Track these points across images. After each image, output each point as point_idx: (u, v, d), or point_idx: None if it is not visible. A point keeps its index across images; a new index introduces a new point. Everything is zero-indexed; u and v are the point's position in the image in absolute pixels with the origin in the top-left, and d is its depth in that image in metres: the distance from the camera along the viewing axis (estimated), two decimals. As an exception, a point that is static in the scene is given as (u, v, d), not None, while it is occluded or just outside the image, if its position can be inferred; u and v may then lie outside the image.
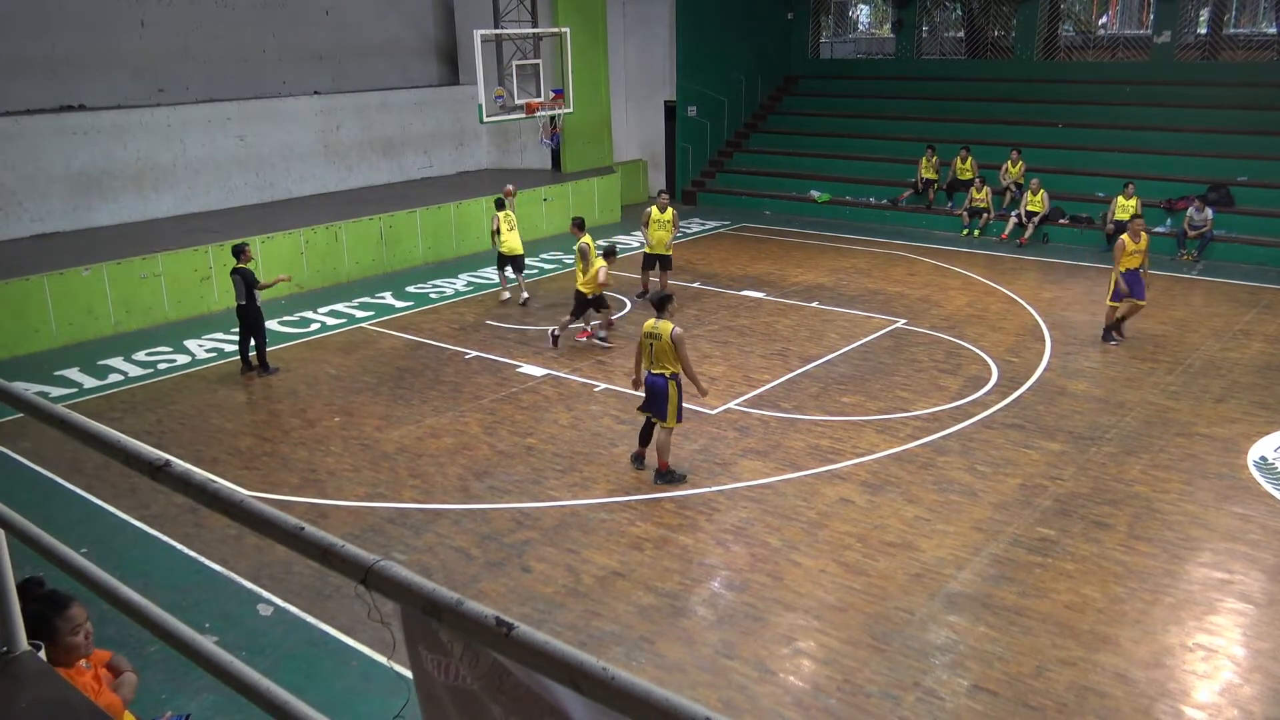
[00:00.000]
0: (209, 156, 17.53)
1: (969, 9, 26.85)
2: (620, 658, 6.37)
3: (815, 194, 21.83)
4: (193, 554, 7.80)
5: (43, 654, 3.14)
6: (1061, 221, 18.62)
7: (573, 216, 13.72)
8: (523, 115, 17.83)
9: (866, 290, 15.27)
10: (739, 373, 11.59)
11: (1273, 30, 27.62)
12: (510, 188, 16.06)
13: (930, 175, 20.38)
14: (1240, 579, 7.19)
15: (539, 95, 18.20)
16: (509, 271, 15.09)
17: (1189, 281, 15.57)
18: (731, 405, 10.56)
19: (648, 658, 6.40)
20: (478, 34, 16.68)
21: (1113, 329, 12.49)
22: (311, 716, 1.91)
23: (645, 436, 8.99)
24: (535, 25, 18.60)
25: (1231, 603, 6.91)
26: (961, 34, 27.78)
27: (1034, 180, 18.64)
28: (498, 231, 14.88)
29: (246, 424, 10.62)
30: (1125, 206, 17.46)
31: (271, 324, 13.03)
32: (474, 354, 12.56)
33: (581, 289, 12.69)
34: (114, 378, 12.01)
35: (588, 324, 13.06)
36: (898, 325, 13.39)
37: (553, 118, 18.79)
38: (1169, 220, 17.73)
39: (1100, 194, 18.74)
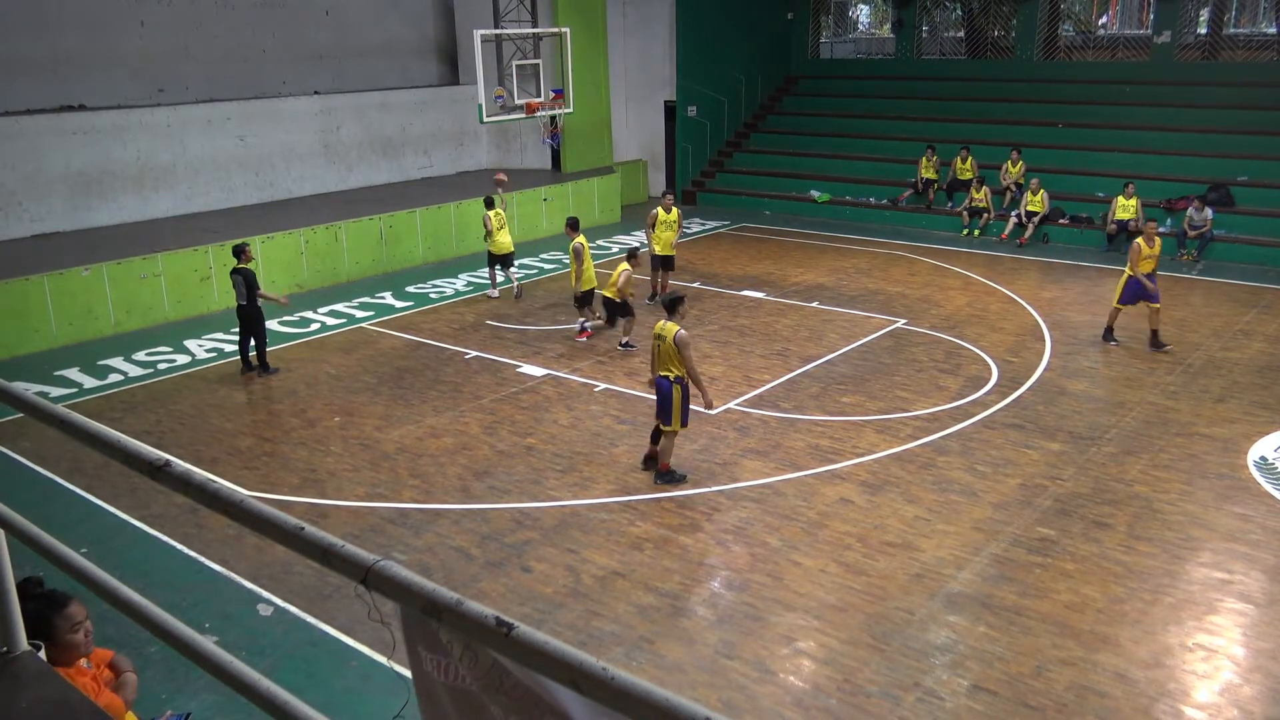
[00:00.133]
0: (209, 156, 17.53)
1: (969, 9, 26.85)
2: (620, 658, 6.37)
3: (815, 194, 21.82)
4: (193, 554, 7.80)
5: (43, 654, 3.14)
6: (1061, 221, 18.62)
7: (567, 217, 13.70)
8: (523, 115, 17.82)
9: (866, 290, 15.27)
10: (739, 373, 11.59)
11: (1273, 30, 27.62)
12: (502, 175, 16.06)
13: (930, 175, 20.38)
14: (1240, 579, 7.19)
15: (539, 95, 18.20)
16: (499, 270, 15.19)
17: (1189, 281, 15.57)
18: (731, 405, 10.56)
19: (648, 658, 6.40)
20: (478, 34, 16.67)
21: (1110, 329, 12.48)
22: (311, 716, 1.91)
23: (656, 438, 8.95)
24: (535, 25, 18.60)
25: (1231, 603, 6.91)
26: (961, 34, 27.79)
27: (1034, 180, 18.65)
28: (489, 233, 14.94)
29: (246, 424, 10.62)
30: (1125, 206, 17.49)
31: (271, 324, 13.03)
32: (474, 354, 12.56)
33: (584, 290, 12.69)
34: (114, 378, 12.01)
35: (588, 324, 13.07)
36: (898, 325, 13.39)
37: (553, 118, 18.78)
38: (1169, 220, 17.71)
39: (1100, 194, 18.74)
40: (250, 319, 11.66)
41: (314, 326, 14.00)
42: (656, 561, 7.55)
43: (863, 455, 9.33)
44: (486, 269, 15.52)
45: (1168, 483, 8.70)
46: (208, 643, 2.16)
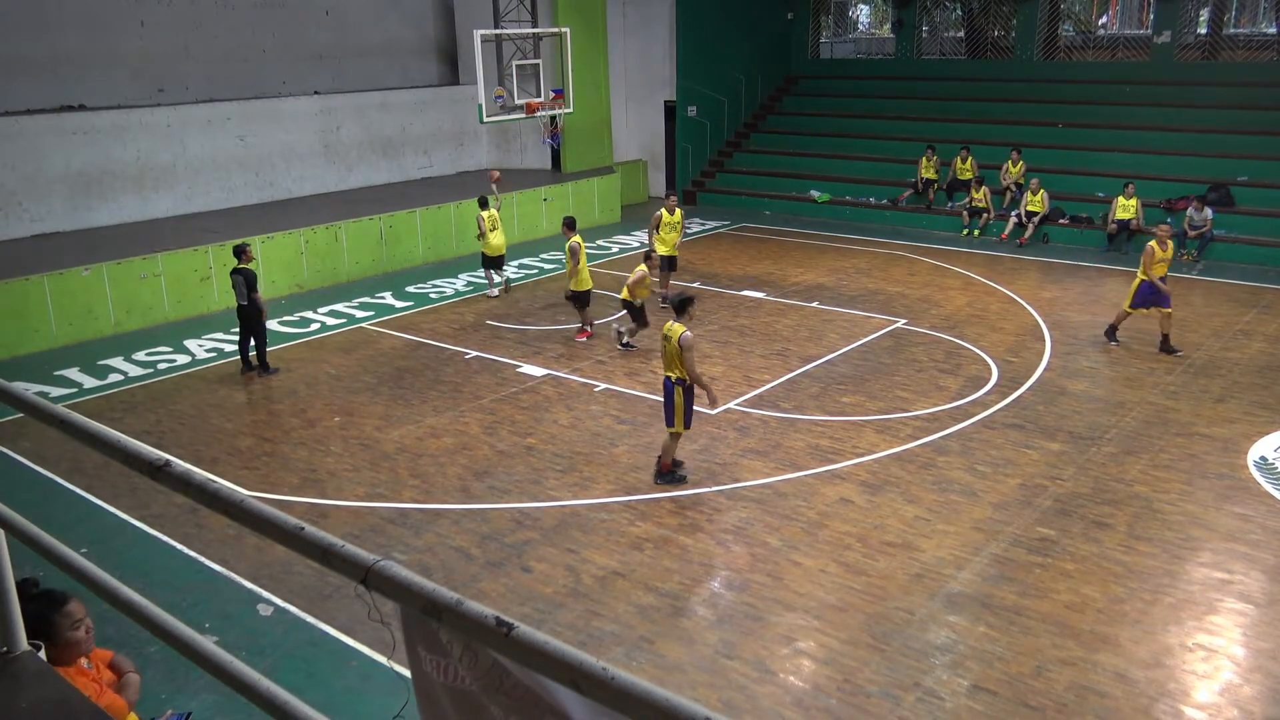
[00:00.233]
0: (209, 156, 17.53)
1: (969, 9, 26.85)
2: (620, 658, 6.37)
3: (815, 194, 21.83)
4: (193, 554, 7.80)
5: (43, 654, 3.14)
6: (1061, 221, 18.62)
7: (564, 217, 13.67)
8: (523, 115, 17.82)
9: (866, 290, 15.27)
10: (739, 373, 11.59)
11: (1273, 30, 27.62)
12: (496, 173, 16.05)
13: (930, 175, 20.39)
14: (1240, 579, 7.19)
15: (539, 95, 18.20)
16: (493, 272, 15.34)
17: (1189, 281, 15.57)
18: (731, 405, 10.56)
19: (648, 658, 6.40)
20: (478, 34, 16.68)
21: (1114, 328, 12.45)
22: (311, 716, 1.91)
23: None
24: (535, 25, 18.60)
25: (1231, 603, 6.91)
26: (961, 34, 27.79)
27: (1034, 180, 18.65)
28: (482, 233, 15.00)
29: (246, 424, 10.62)
30: (1125, 206, 17.51)
31: (271, 324, 13.02)
32: (474, 354, 12.56)
33: (581, 290, 12.68)
34: (114, 378, 12.01)
35: (587, 324, 13.07)
36: (898, 325, 13.39)
37: (553, 118, 18.78)
38: (1169, 220, 17.71)
39: (1100, 194, 18.75)
40: (250, 319, 11.66)
41: (314, 326, 14.00)
42: (656, 561, 7.55)
43: (863, 455, 9.33)
44: (483, 270, 15.53)
45: (1168, 483, 8.70)
46: (208, 643, 2.16)
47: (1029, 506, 8.30)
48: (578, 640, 6.51)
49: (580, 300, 12.84)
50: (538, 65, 18.41)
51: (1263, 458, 9.17)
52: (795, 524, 8.06)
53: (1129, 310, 12.23)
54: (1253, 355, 11.97)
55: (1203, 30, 23.82)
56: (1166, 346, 12.04)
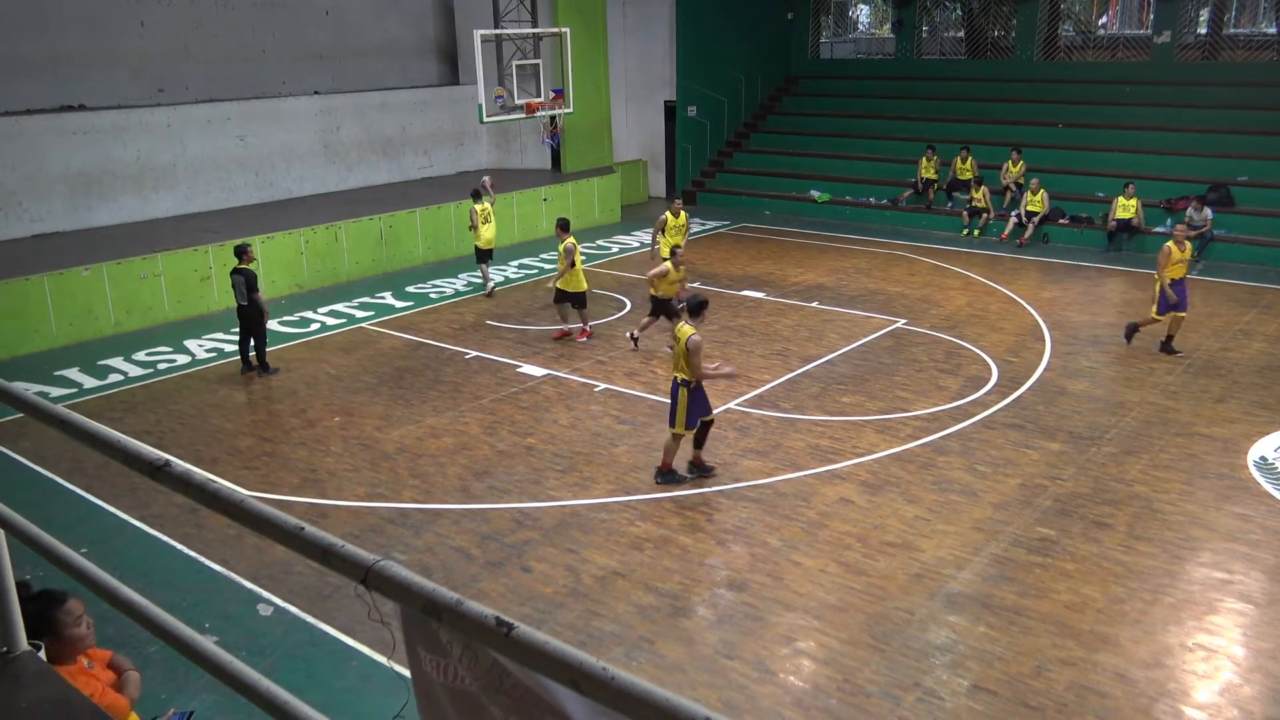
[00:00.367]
0: (209, 156, 17.53)
1: (969, 9, 26.85)
2: (620, 658, 6.37)
3: (815, 194, 21.83)
4: (193, 554, 7.80)
5: (43, 654, 3.14)
6: (1061, 221, 18.63)
7: (557, 218, 13.56)
8: (523, 115, 17.83)
9: (866, 290, 15.27)
10: (739, 373, 11.58)
11: (1273, 30, 27.62)
12: (487, 180, 16.06)
13: (930, 175, 20.39)
14: (1240, 579, 7.19)
15: (539, 95, 18.20)
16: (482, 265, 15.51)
17: (1189, 281, 15.47)
18: (731, 405, 10.56)
19: (648, 658, 6.40)
20: (478, 34, 16.68)
21: (1133, 331, 12.22)
22: (311, 716, 1.91)
23: (700, 440, 8.83)
24: (535, 25, 18.60)
25: (1231, 603, 6.91)
26: (961, 34, 27.80)
27: (1034, 180, 18.65)
28: (474, 226, 15.16)
29: (246, 424, 10.62)
30: (1126, 206, 17.51)
31: (271, 324, 13.00)
32: (474, 354, 12.56)
33: (577, 292, 12.63)
34: (114, 378, 12.01)
35: (586, 323, 13.06)
36: (898, 325, 13.39)
37: (553, 118, 18.78)
38: (1169, 220, 17.73)
39: (1100, 194, 18.75)
40: (250, 319, 11.66)
41: (314, 326, 14.01)
42: (656, 561, 7.55)
43: (863, 455, 9.33)
44: (478, 266, 15.64)
45: (1168, 483, 8.70)
46: (208, 643, 2.16)
47: (1029, 506, 8.30)
48: (578, 640, 6.51)
49: (577, 301, 12.80)
50: (538, 65, 18.41)
51: (1263, 458, 9.17)
52: (795, 524, 8.06)
53: (1157, 317, 11.90)
54: (1253, 355, 11.97)
55: (1203, 30, 23.83)
56: (1168, 347, 12.02)
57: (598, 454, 9.49)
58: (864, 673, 6.18)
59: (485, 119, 17.32)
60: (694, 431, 8.72)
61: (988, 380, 11.22)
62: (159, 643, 2.29)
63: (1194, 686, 6.08)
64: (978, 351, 12.23)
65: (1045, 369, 11.59)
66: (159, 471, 1.90)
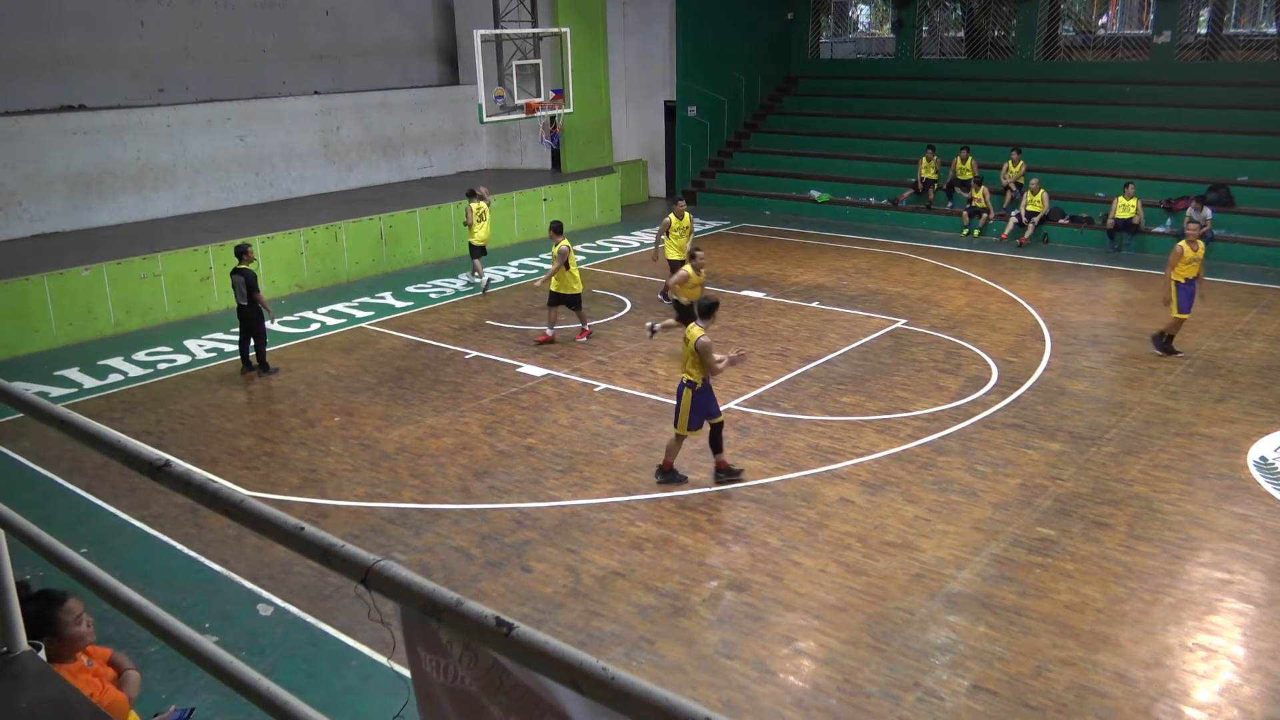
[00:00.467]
0: (209, 156, 17.53)
1: (969, 9, 26.85)
2: (620, 658, 6.37)
3: (815, 194, 21.83)
4: (193, 554, 7.80)
5: (43, 654, 3.14)
6: (1061, 221, 18.63)
7: (551, 221, 13.41)
8: (523, 115, 17.83)
9: (866, 290, 15.27)
10: (739, 373, 11.58)
11: (1273, 30, 27.62)
12: (484, 190, 16.12)
13: (930, 175, 20.38)
14: (1240, 579, 7.19)
15: (539, 95, 18.20)
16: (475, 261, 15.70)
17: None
18: (731, 405, 10.55)
19: (648, 658, 6.40)
20: (478, 34, 16.68)
21: (1169, 339, 11.88)
22: (311, 716, 1.91)
23: (715, 444, 8.79)
24: (535, 25, 18.60)
25: (1231, 603, 6.91)
26: (961, 34, 27.80)
27: (1034, 180, 18.65)
28: (470, 224, 15.37)
29: (246, 424, 10.62)
30: (1126, 206, 17.52)
31: (271, 324, 13.00)
32: (474, 354, 12.56)
33: (572, 294, 12.54)
34: (114, 378, 12.01)
35: (585, 323, 13.05)
36: (898, 325, 13.39)
37: (553, 118, 18.79)
38: (1169, 220, 17.74)
39: (1100, 194, 18.75)
40: (250, 319, 11.66)
41: (314, 326, 14.01)
42: (656, 561, 7.55)
43: (863, 455, 9.33)
44: (473, 262, 15.77)
45: (1168, 483, 8.70)
46: (208, 643, 2.16)
47: (1029, 506, 8.30)
48: (578, 640, 6.51)
49: (573, 303, 12.71)
50: (538, 65, 18.42)
51: (1263, 458, 9.17)
52: (795, 524, 8.06)
53: (1181, 316, 11.68)
54: (1253, 355, 11.97)
55: (1203, 30, 23.82)
56: (1168, 347, 11.99)
57: (598, 454, 9.49)
58: (864, 673, 6.18)
59: (485, 119, 17.32)
60: (697, 433, 8.69)
61: (988, 380, 11.22)
62: (159, 643, 2.29)
63: (1194, 686, 6.08)
64: (978, 351, 12.23)
65: (1045, 369, 11.59)
66: (159, 471, 1.90)
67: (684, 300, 11.86)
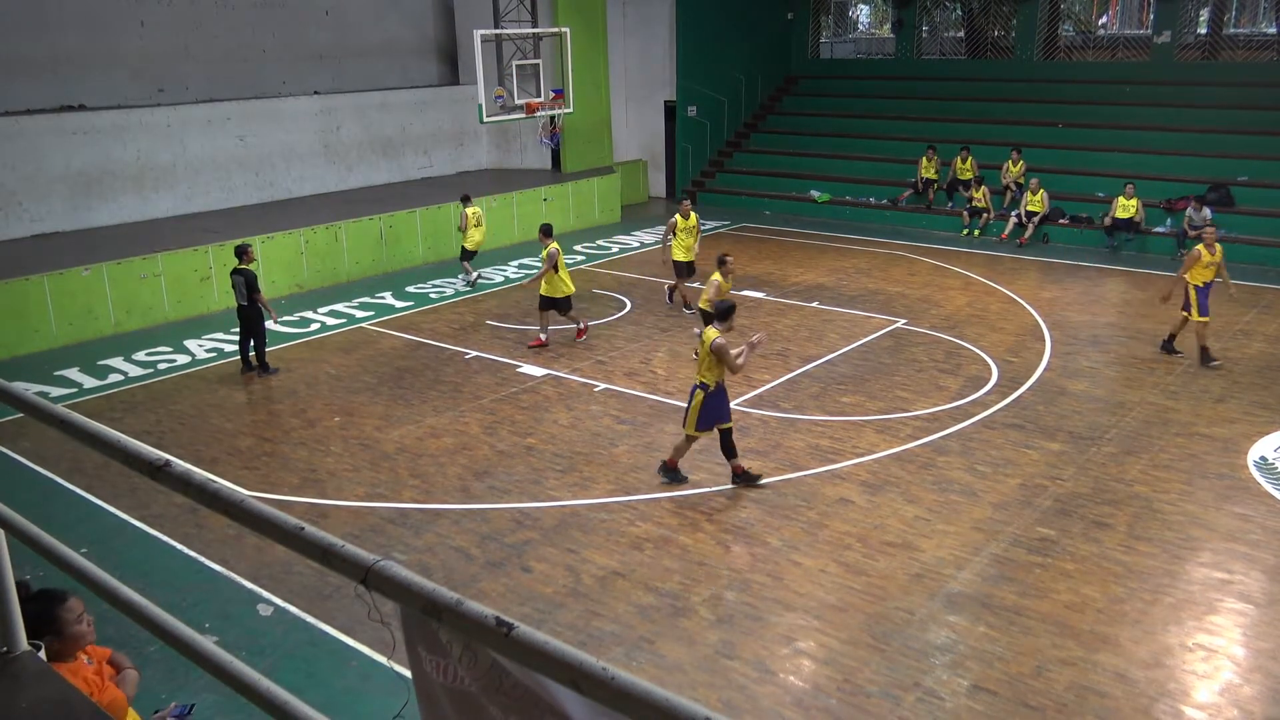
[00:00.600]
0: (209, 156, 17.53)
1: (969, 9, 26.85)
2: (620, 658, 6.37)
3: (815, 194, 21.83)
4: (193, 554, 7.80)
5: (43, 654, 3.14)
6: (1061, 221, 18.63)
7: (540, 224, 13.23)
8: (523, 115, 17.83)
9: (866, 290, 15.27)
10: (739, 372, 11.56)
11: (1273, 30, 27.62)
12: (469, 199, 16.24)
13: (930, 175, 20.38)
14: (1240, 579, 7.19)
15: (539, 95, 18.20)
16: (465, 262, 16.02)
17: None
18: (732, 405, 10.52)
19: (648, 658, 6.40)
20: (478, 34, 16.68)
21: (1205, 353, 11.54)
22: (311, 716, 1.91)
23: (727, 450, 8.75)
24: (535, 25, 18.60)
25: (1231, 603, 6.91)
26: (961, 34, 27.80)
27: (1034, 180, 18.65)
28: (465, 229, 15.61)
29: (246, 424, 10.62)
30: (1126, 206, 17.53)
31: (273, 324, 13.00)
32: (474, 354, 12.56)
33: (562, 297, 12.43)
34: (114, 378, 12.01)
35: (578, 322, 12.95)
36: (898, 325, 13.39)
37: (553, 118, 18.78)
38: (1169, 220, 17.73)
39: (1100, 194, 18.74)
40: (250, 319, 11.66)
41: (314, 326, 14.01)
42: (656, 561, 7.55)
43: (863, 455, 9.33)
44: (468, 264, 16.02)
45: (1168, 483, 8.70)
46: (208, 643, 2.16)
47: (1029, 506, 8.30)
48: (578, 640, 6.51)
49: (563, 306, 12.59)
50: (538, 65, 18.41)
51: (1263, 458, 9.17)
52: (795, 524, 8.06)
53: (1203, 319, 11.48)
54: (1253, 355, 11.97)
55: (1203, 30, 23.82)
56: (1169, 346, 11.98)
57: (598, 454, 9.49)
58: (864, 673, 6.18)
59: (485, 119, 17.32)
60: (704, 433, 8.65)
61: (988, 380, 11.22)
62: (159, 643, 2.29)
63: (1194, 686, 6.08)
64: (978, 351, 12.23)
65: (1045, 369, 11.59)
66: (159, 471, 1.90)
67: (709, 309, 11.63)
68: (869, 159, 22.28)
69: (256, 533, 1.77)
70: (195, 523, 8.21)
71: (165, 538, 8.05)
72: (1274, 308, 14.12)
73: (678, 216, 14.20)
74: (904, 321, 13.54)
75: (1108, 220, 17.70)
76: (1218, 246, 11.57)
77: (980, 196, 19.31)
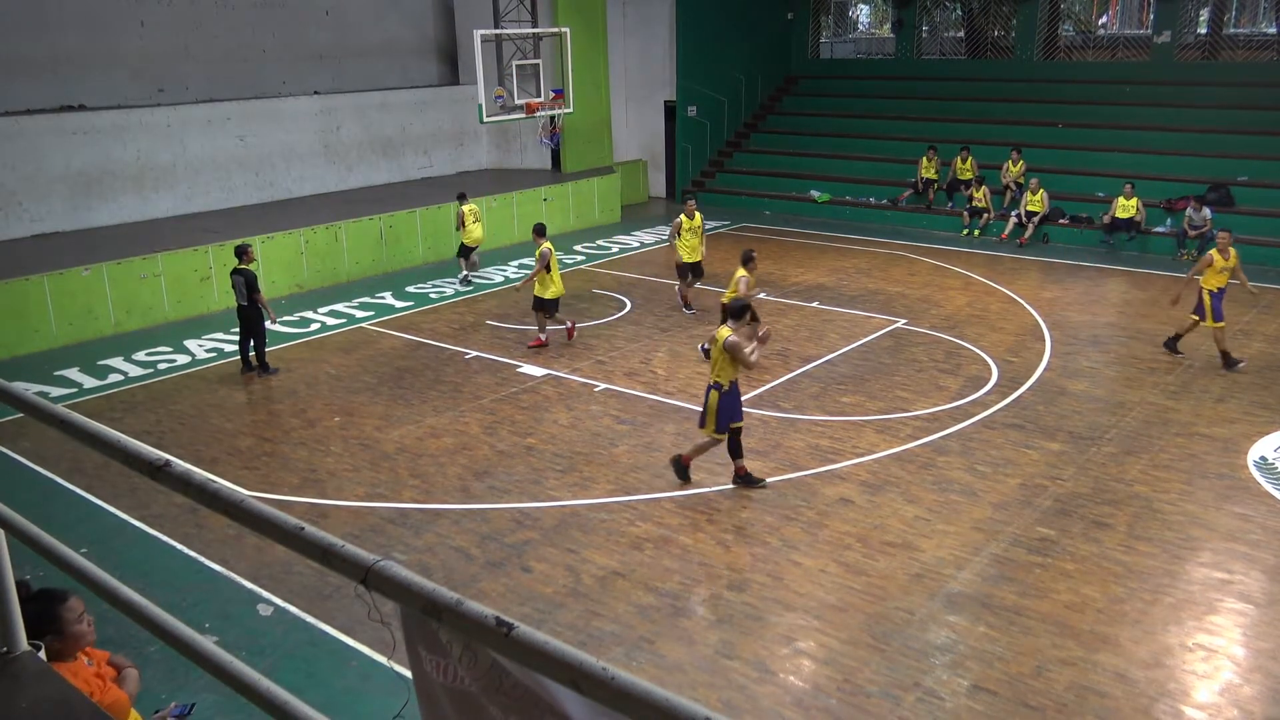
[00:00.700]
0: (209, 156, 17.53)
1: (969, 9, 26.85)
2: (620, 658, 6.37)
3: (815, 194, 21.82)
4: (193, 554, 7.80)
5: (43, 654, 3.14)
6: (1061, 221, 18.63)
7: (534, 224, 13.21)
8: (523, 115, 17.82)
9: (866, 290, 15.27)
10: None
11: (1273, 30, 27.62)
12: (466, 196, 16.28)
13: (930, 175, 20.38)
14: (1240, 579, 7.19)
15: (539, 95, 18.20)
16: (463, 259, 16.13)
17: (1189, 281, 15.52)
18: (731, 405, 10.54)
19: (648, 658, 6.40)
20: (478, 34, 16.68)
21: (1228, 357, 11.47)
22: (311, 716, 1.91)
23: (734, 449, 8.73)
24: (535, 25, 18.60)
25: (1231, 603, 6.91)
26: (961, 34, 27.79)
27: (1034, 180, 18.65)
28: (463, 225, 15.74)
29: (246, 424, 10.62)
30: (1125, 206, 17.53)
31: (272, 325, 12.99)
32: (474, 354, 12.56)
33: (551, 298, 12.35)
34: (114, 378, 12.01)
35: (564, 323, 12.83)
36: (898, 325, 13.39)
37: (553, 118, 18.78)
38: (1169, 220, 17.73)
39: (1100, 194, 18.74)
40: (250, 320, 11.66)
41: (314, 326, 14.01)
42: (656, 561, 7.55)
43: (863, 455, 9.33)
44: (463, 260, 16.14)
45: (1168, 483, 8.70)
46: (208, 643, 2.16)
47: (1029, 506, 8.30)
48: (578, 640, 6.51)
49: (549, 307, 12.47)
50: (538, 65, 18.41)
51: (1263, 458, 9.17)
52: (795, 524, 8.06)
53: (1218, 325, 11.41)
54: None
55: (1203, 30, 23.81)
56: (1173, 345, 11.94)
57: (598, 454, 9.49)
58: (864, 673, 6.18)
59: (485, 119, 17.32)
60: (724, 436, 8.62)
61: (988, 380, 11.22)
62: (159, 643, 2.29)
63: (1194, 686, 6.08)
64: (978, 351, 12.23)
65: (1045, 369, 11.59)
66: (159, 471, 1.90)
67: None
68: (869, 159, 22.28)
69: (256, 533, 1.77)
70: (195, 523, 8.21)
71: (165, 538, 8.05)
72: (1274, 308, 14.12)
73: (683, 217, 14.17)
74: (904, 321, 13.54)
75: (1107, 219, 17.71)
76: (1232, 251, 11.52)
77: (980, 196, 19.31)
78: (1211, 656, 6.32)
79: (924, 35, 25.75)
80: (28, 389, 3.80)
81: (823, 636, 6.57)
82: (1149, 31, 22.72)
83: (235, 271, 11.61)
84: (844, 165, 22.44)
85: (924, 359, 12.00)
